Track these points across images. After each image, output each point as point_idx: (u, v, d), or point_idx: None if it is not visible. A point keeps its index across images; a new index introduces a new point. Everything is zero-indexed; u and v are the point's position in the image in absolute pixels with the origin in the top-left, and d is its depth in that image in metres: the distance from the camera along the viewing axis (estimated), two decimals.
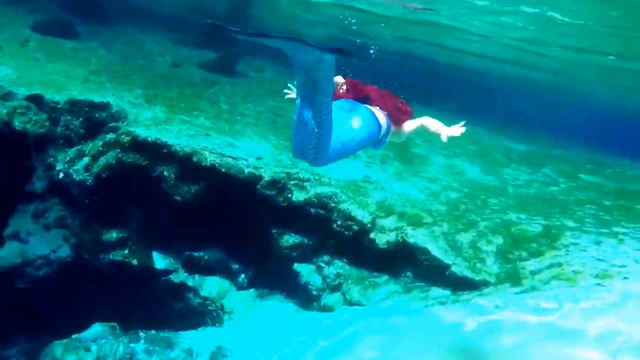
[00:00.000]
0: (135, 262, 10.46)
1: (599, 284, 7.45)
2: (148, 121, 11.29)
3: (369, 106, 4.65)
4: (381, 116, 4.67)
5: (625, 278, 7.51)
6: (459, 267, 8.67)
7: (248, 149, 11.21)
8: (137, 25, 23.47)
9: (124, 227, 10.64)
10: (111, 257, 10.42)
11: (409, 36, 23.25)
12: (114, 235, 10.51)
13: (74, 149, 10.74)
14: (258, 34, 3.09)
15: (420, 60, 29.56)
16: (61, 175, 10.54)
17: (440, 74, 33.93)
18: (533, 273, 8.23)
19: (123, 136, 10.35)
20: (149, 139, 10.27)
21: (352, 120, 4.35)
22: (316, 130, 3.75)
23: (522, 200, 11.40)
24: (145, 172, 10.37)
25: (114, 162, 10.24)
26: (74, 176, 10.36)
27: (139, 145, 10.29)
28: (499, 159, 15.10)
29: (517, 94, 35.38)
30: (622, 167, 18.46)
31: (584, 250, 8.67)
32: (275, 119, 14.45)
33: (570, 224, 10.03)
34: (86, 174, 10.30)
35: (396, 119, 4.94)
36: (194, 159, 10.06)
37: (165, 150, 10.21)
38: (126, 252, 10.48)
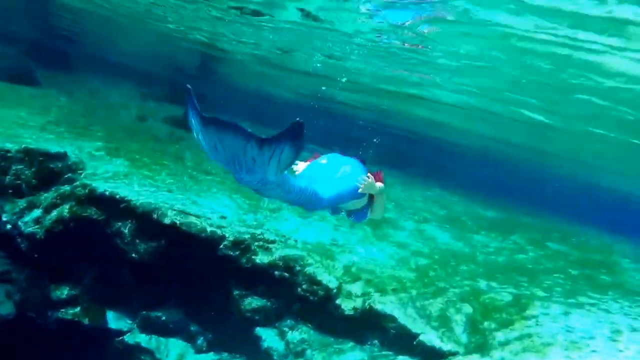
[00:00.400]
0: (86, 321, 9.84)
1: (568, 357, 7.25)
2: (107, 174, 10.85)
3: None
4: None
5: (593, 351, 7.35)
6: (427, 336, 8.32)
7: (212, 207, 10.82)
8: (103, 76, 23.27)
9: (76, 284, 10.06)
10: (60, 315, 9.78)
11: (381, 104, 23.57)
12: (64, 291, 9.92)
13: (23, 200, 10.14)
14: (212, 120, 3.09)
15: (392, 125, 29.99)
16: (8, 227, 9.88)
17: (412, 140, 34.50)
18: (502, 344, 7.96)
19: (79, 189, 9.88)
20: (107, 192, 9.82)
21: (343, 170, 4.67)
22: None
23: (492, 268, 11.21)
24: (102, 227, 9.86)
25: (67, 215, 9.73)
26: (23, 228, 9.77)
27: (96, 199, 9.83)
28: (469, 226, 15.01)
29: (487, 162, 36.11)
30: (586, 236, 18.71)
31: (553, 322, 8.48)
32: None
33: (540, 293, 9.87)
34: (36, 226, 9.73)
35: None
36: (154, 215, 9.62)
37: (123, 205, 9.75)
38: (77, 310, 9.88)
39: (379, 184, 4.84)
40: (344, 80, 17.92)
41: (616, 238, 19.98)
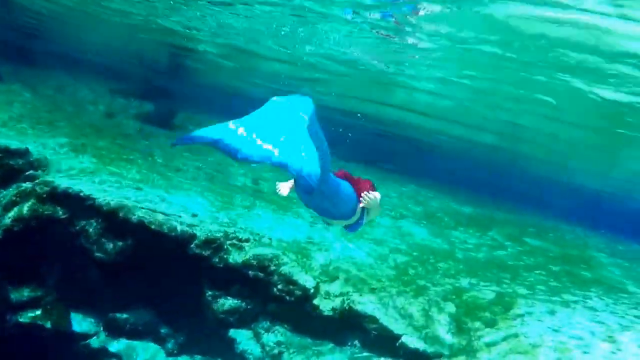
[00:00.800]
0: (49, 324, 9.29)
1: (559, 359, 6.98)
2: (72, 171, 10.30)
3: None
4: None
5: (585, 352, 7.10)
6: (411, 338, 8.01)
7: (183, 205, 10.35)
8: (70, 72, 22.45)
9: (39, 285, 9.50)
10: (20, 319, 9.19)
11: (356, 96, 23.23)
12: (24, 293, 9.34)
13: None
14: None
15: (366, 120, 29.73)
16: None
17: (386, 136, 34.34)
18: (489, 345, 7.70)
19: (40, 186, 9.29)
20: (70, 190, 9.26)
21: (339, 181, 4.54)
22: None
23: (472, 265, 10.97)
24: (65, 225, 9.30)
25: (28, 213, 9.14)
26: None
27: (58, 197, 9.27)
28: (446, 222, 14.78)
29: (460, 158, 36.18)
30: (560, 230, 18.71)
31: (540, 320, 8.24)
32: (214, 175, 13.70)
33: (522, 291, 9.66)
34: None
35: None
36: (121, 214, 9.09)
37: (88, 203, 9.21)
38: (39, 312, 9.32)
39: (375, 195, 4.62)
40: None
41: (588, 232, 20.10)
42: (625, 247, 17.96)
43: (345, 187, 4.49)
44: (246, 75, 25.76)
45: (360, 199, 4.52)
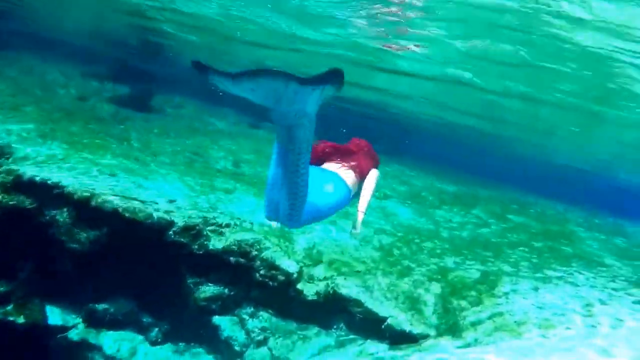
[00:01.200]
0: (21, 319, 8.90)
1: (543, 335, 6.91)
2: (40, 158, 9.88)
3: (338, 169, 4.74)
4: (350, 181, 4.70)
5: (567, 328, 7.05)
6: (396, 320, 7.86)
7: (160, 190, 10.04)
8: (37, 54, 21.69)
9: (9, 279, 9.08)
10: None
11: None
12: None
13: None
14: (243, 74, 3.04)
15: (348, 100, 29.43)
16: None
17: (368, 115, 34.12)
18: (474, 324, 7.58)
19: (3, 175, 8.87)
20: (37, 178, 8.87)
21: (326, 187, 4.44)
22: (293, 190, 3.72)
23: (457, 244, 10.87)
24: (34, 216, 8.92)
25: None
26: None
27: (24, 186, 8.88)
28: (430, 201, 14.66)
29: (442, 137, 36.18)
30: (541, 206, 18.82)
31: (524, 298, 8.18)
32: (193, 158, 13.36)
33: (507, 268, 9.59)
34: None
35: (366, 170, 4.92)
36: (93, 202, 8.73)
37: (57, 192, 8.83)
38: (10, 307, 8.93)
39: (373, 172, 4.86)
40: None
41: (568, 207, 20.31)
42: (601, 220, 18.18)
43: (326, 202, 4.34)
44: (223, 54, 25.19)
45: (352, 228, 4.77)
